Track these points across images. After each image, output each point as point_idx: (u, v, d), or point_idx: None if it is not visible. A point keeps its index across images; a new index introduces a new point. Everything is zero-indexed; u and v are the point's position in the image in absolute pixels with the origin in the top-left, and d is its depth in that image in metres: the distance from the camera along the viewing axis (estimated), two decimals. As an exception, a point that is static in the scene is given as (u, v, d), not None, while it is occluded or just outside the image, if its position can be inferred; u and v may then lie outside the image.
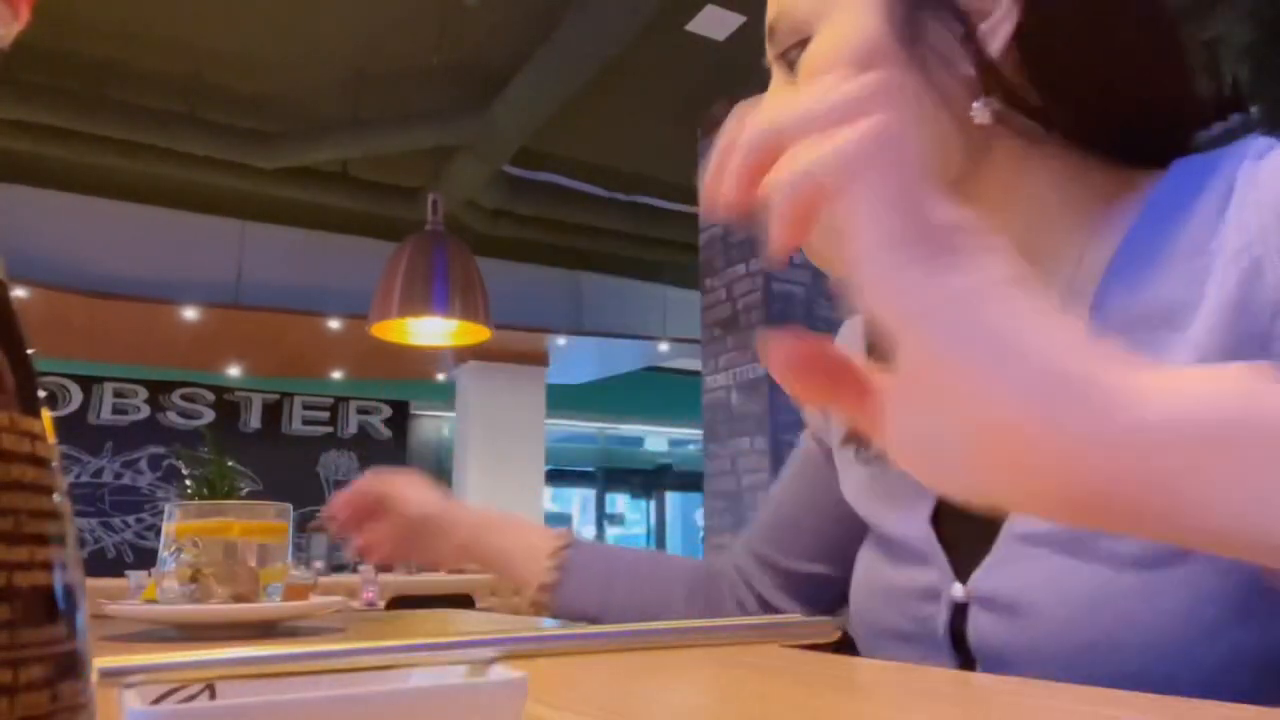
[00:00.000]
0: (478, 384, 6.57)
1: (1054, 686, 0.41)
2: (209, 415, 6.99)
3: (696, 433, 4.56)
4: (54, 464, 0.16)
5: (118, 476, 6.65)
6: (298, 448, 7.24)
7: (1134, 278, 0.46)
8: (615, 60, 3.76)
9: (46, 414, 0.17)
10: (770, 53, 0.54)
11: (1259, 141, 0.47)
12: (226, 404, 7.09)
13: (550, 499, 9.41)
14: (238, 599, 0.76)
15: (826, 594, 0.68)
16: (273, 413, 7.25)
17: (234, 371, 6.82)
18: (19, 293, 4.65)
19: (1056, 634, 0.43)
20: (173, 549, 0.78)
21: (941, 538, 0.51)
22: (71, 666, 0.15)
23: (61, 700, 0.15)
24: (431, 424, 8.35)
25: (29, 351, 0.16)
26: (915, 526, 0.52)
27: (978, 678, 0.42)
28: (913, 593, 0.51)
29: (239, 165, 4.57)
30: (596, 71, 3.81)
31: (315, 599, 0.84)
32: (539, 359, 6.74)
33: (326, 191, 5.03)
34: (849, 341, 0.64)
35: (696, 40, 3.91)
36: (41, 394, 0.17)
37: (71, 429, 6.41)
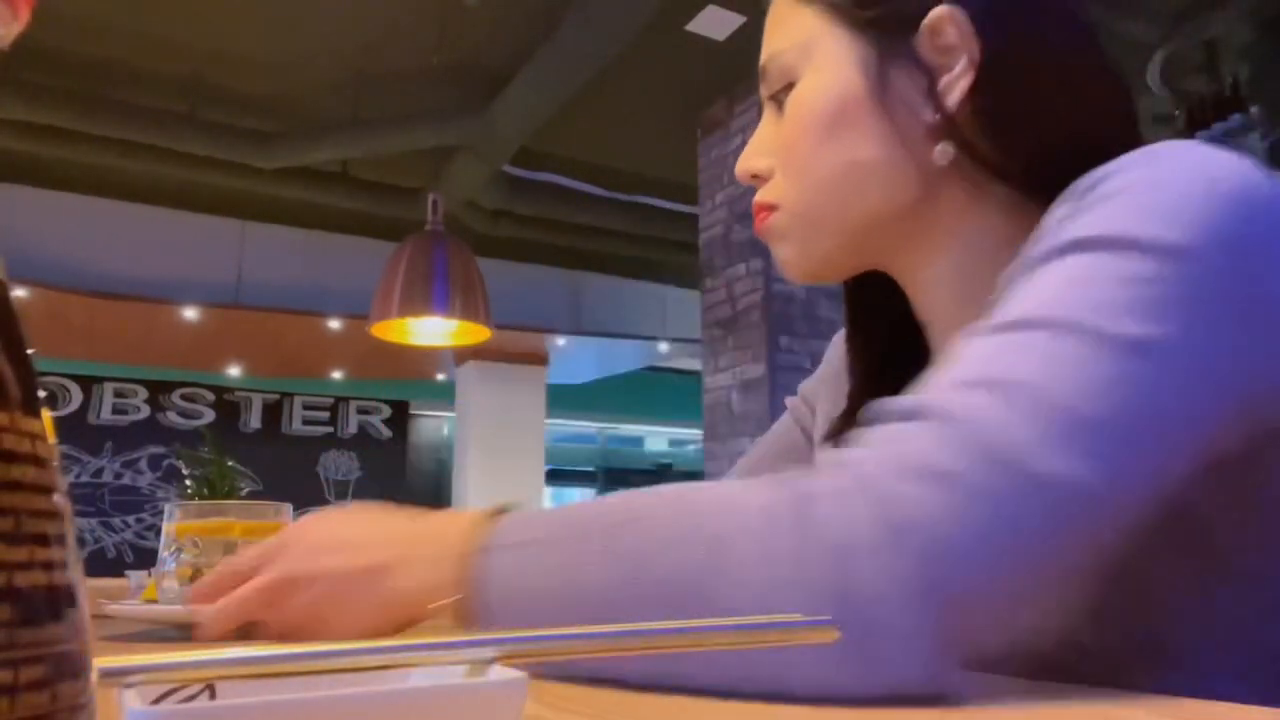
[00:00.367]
0: (478, 384, 6.57)
1: (1056, 687, 0.41)
2: (209, 415, 6.99)
3: (696, 433, 4.56)
4: (54, 464, 0.16)
5: (118, 476, 6.65)
6: (298, 448, 7.24)
7: None
8: (615, 60, 3.76)
9: (46, 414, 0.17)
10: (763, 92, 0.61)
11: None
12: (226, 404, 7.09)
13: (550, 499, 9.40)
14: None
15: None
16: (273, 413, 7.25)
17: (234, 371, 6.82)
18: (19, 293, 4.65)
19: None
20: (173, 549, 0.77)
21: None
22: (71, 666, 0.15)
23: (61, 700, 0.15)
24: (431, 424, 8.35)
25: (29, 351, 0.16)
26: None
27: (980, 678, 0.42)
28: None
29: (239, 165, 4.57)
30: (596, 71, 3.81)
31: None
32: (539, 359, 6.74)
33: (326, 191, 5.02)
34: (839, 351, 0.71)
35: (696, 40, 3.91)
36: (41, 394, 0.17)
37: (71, 429, 6.41)
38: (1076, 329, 0.40)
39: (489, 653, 0.28)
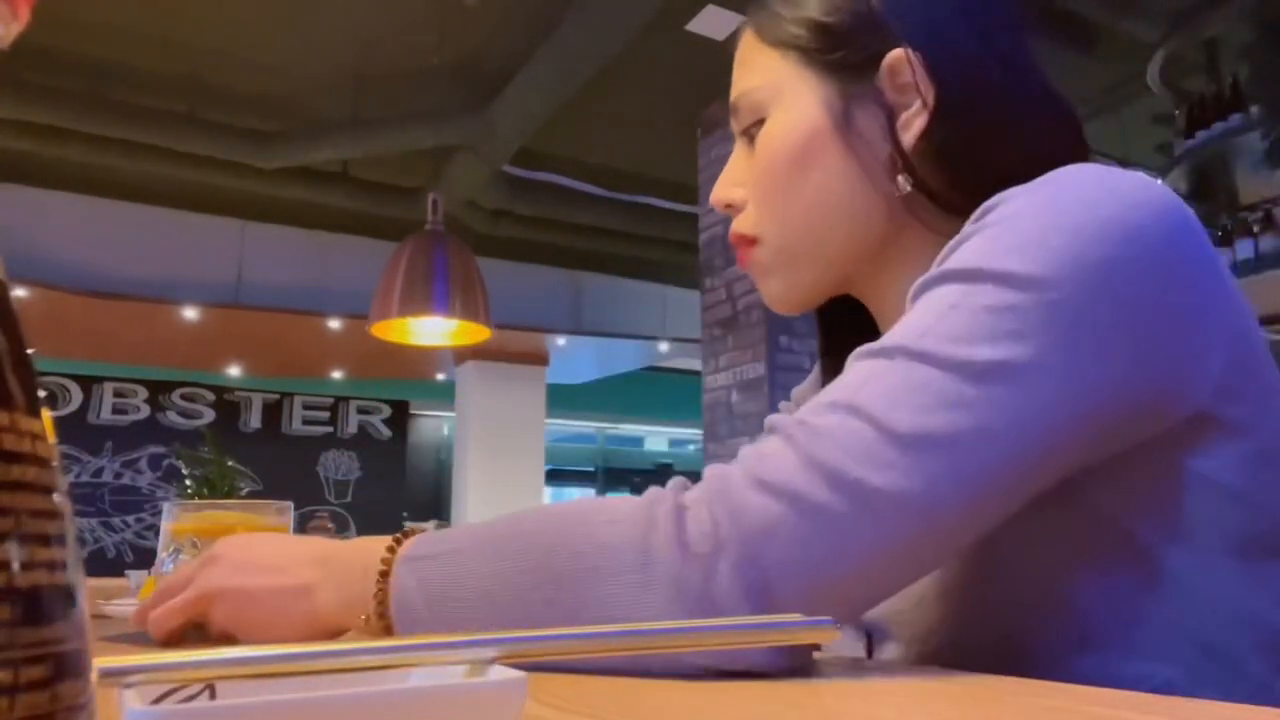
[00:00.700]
0: (478, 384, 6.57)
1: (1056, 687, 0.41)
2: (209, 415, 6.99)
3: (696, 433, 4.56)
4: (54, 464, 0.16)
5: (118, 476, 6.65)
6: (298, 448, 7.24)
7: None
8: (615, 60, 3.76)
9: (46, 414, 0.17)
10: (734, 127, 0.65)
11: None
12: (226, 404, 7.09)
13: (550, 499, 9.41)
14: None
15: None
16: (273, 413, 7.25)
17: (234, 371, 6.82)
18: (19, 293, 4.65)
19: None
20: (171, 549, 0.77)
21: None
22: (71, 666, 0.15)
23: (61, 700, 0.15)
24: (431, 424, 8.36)
25: (29, 351, 0.16)
26: None
27: (979, 678, 0.42)
28: None
29: (239, 165, 4.57)
30: (596, 71, 3.80)
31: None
32: (539, 359, 6.74)
33: (326, 191, 5.02)
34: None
35: (696, 40, 3.91)
36: (41, 394, 0.17)
37: (71, 429, 6.42)
38: (929, 357, 0.45)
39: (489, 653, 0.28)
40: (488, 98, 4.22)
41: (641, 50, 3.80)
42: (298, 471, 7.00)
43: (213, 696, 0.26)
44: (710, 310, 4.15)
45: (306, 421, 7.36)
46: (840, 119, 0.58)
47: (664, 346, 6.51)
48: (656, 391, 8.43)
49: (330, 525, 6.34)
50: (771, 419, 0.48)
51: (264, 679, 0.26)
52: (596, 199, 5.40)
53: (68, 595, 0.16)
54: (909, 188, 0.57)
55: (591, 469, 10.31)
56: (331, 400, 7.45)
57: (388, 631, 0.50)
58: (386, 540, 0.52)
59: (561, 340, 6.36)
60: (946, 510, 0.43)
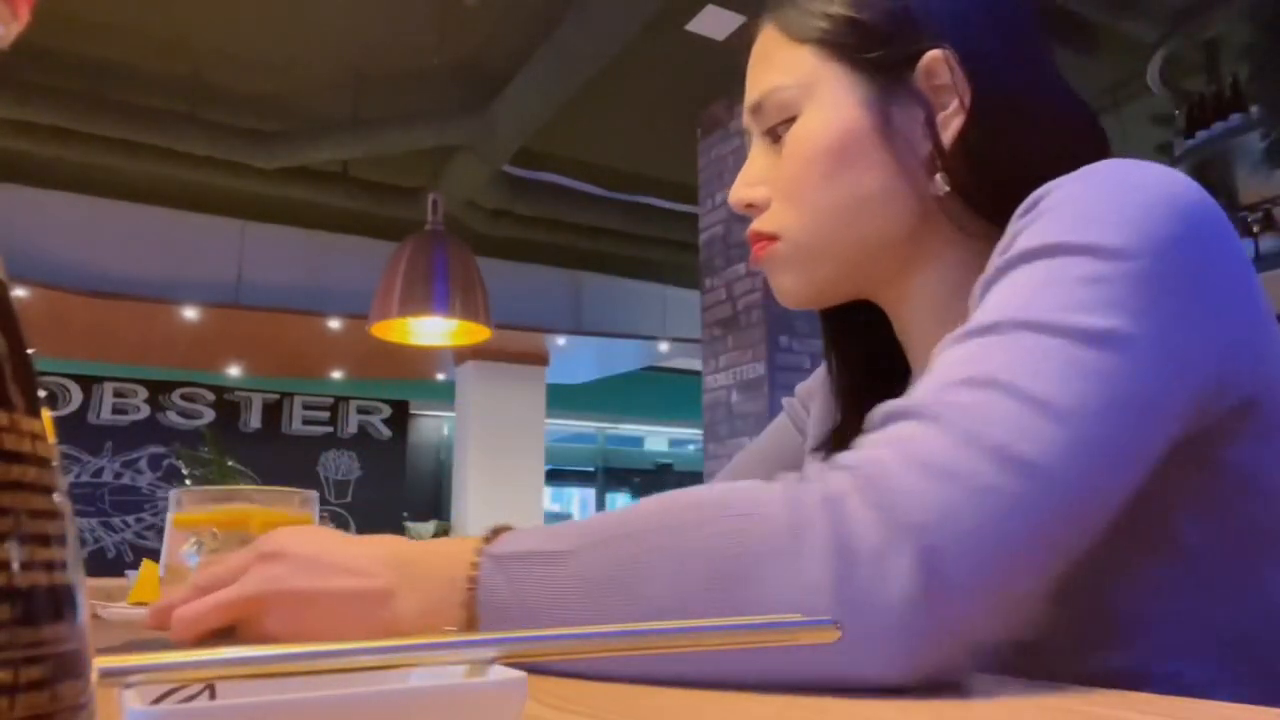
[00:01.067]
0: (478, 384, 6.57)
1: (1056, 686, 0.41)
2: (209, 415, 6.99)
3: (696, 433, 4.56)
4: (54, 464, 0.16)
5: (118, 476, 6.65)
6: (298, 448, 7.24)
7: None
8: (615, 60, 3.75)
9: (46, 414, 0.17)
10: (756, 127, 0.64)
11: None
12: (226, 404, 7.09)
13: (550, 499, 9.41)
14: None
15: None
16: (273, 413, 7.25)
17: (234, 371, 6.82)
18: (19, 293, 4.65)
19: None
20: (193, 544, 0.68)
21: None
22: (71, 666, 0.15)
23: (61, 700, 0.15)
24: (431, 424, 8.36)
25: (29, 351, 0.16)
26: None
27: (979, 678, 0.42)
28: None
29: (239, 165, 4.57)
30: (596, 71, 3.80)
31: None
32: (539, 359, 6.74)
33: (326, 191, 5.02)
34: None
35: (696, 40, 3.91)
36: (41, 394, 0.17)
37: (71, 429, 6.41)
38: (1045, 327, 0.43)
39: (489, 653, 0.28)
40: (488, 98, 4.22)
41: (641, 50, 3.79)
42: (298, 471, 6.99)
43: (213, 696, 0.26)
44: (710, 310, 4.14)
45: (306, 421, 7.36)
46: (880, 118, 0.58)
47: (664, 346, 6.51)
48: (656, 391, 8.43)
49: (330, 525, 6.33)
50: (891, 405, 0.45)
51: (264, 679, 0.26)
52: (596, 199, 5.40)
53: (68, 595, 0.16)
54: (947, 188, 0.57)
55: (591, 469, 10.31)
56: (331, 400, 7.45)
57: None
58: (471, 542, 0.48)
59: (561, 340, 6.36)
60: (1107, 478, 0.42)
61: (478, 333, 2.69)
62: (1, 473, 0.15)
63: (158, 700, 0.25)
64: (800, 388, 0.81)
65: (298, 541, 0.51)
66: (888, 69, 0.58)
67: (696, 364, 4.36)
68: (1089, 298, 0.43)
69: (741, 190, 0.63)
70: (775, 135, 0.62)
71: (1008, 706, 0.37)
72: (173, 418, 6.88)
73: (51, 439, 0.17)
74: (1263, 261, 3.01)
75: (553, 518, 9.24)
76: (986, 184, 0.56)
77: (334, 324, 5.56)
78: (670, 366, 7.45)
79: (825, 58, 0.60)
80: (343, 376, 7.09)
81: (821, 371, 0.77)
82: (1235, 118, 3.17)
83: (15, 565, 0.15)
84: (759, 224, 0.63)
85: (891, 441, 0.43)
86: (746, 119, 0.65)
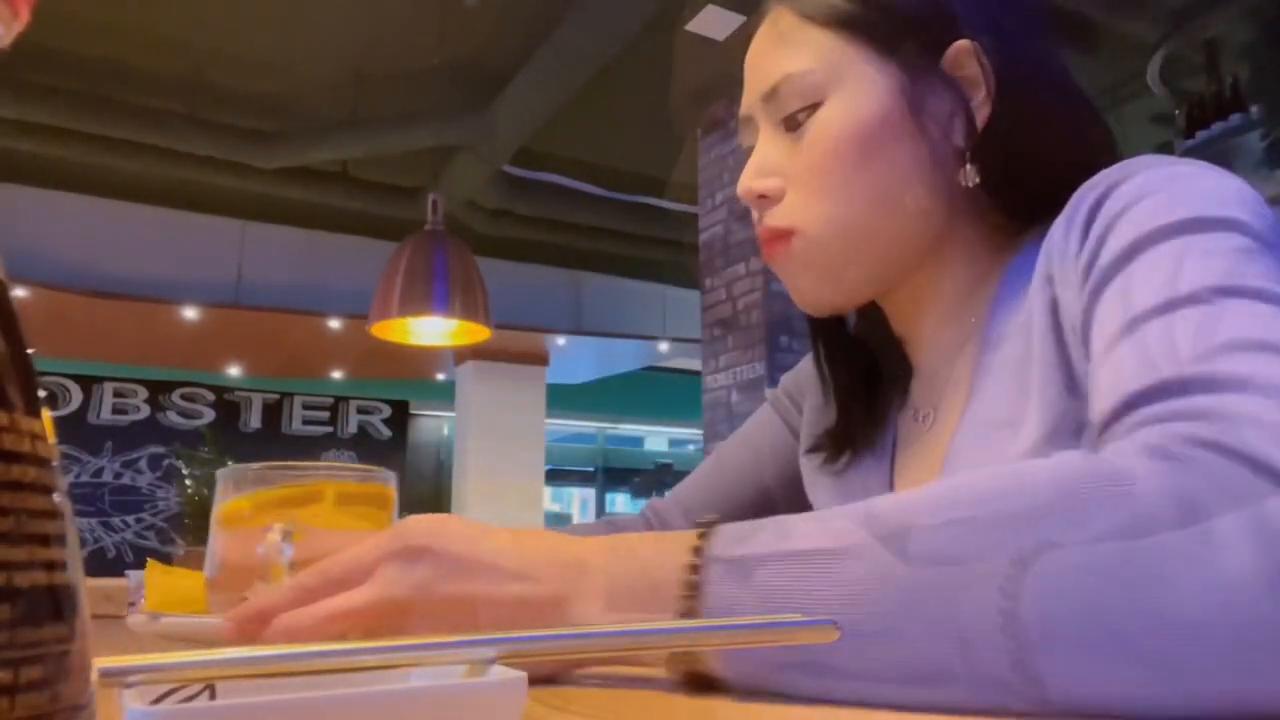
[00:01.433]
0: (478, 384, 6.57)
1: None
2: (209, 415, 6.99)
3: (696, 433, 4.56)
4: (54, 464, 0.16)
5: (118, 476, 6.65)
6: (298, 448, 7.23)
7: (981, 391, 0.55)
8: (615, 60, 3.75)
9: (46, 414, 0.17)
10: (769, 115, 0.59)
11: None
12: (226, 404, 7.09)
13: (550, 499, 9.40)
14: None
15: None
16: (273, 413, 7.25)
17: (234, 371, 6.82)
18: (19, 293, 4.65)
19: None
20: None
21: None
22: (71, 666, 0.15)
23: (61, 700, 0.15)
24: (431, 424, 8.35)
25: (29, 351, 0.16)
26: None
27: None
28: None
29: (239, 165, 4.57)
30: (596, 71, 3.80)
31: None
32: (539, 359, 6.74)
33: (326, 191, 5.02)
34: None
35: (696, 40, 3.91)
36: (41, 394, 0.17)
37: (71, 429, 6.41)
38: (1248, 291, 0.40)
39: (489, 653, 0.28)
40: (488, 98, 4.22)
41: (641, 50, 3.79)
42: (298, 471, 6.98)
43: (213, 696, 0.26)
44: (710, 310, 4.15)
45: (306, 421, 7.36)
46: (913, 106, 0.56)
47: (664, 346, 6.51)
48: (656, 391, 8.43)
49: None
50: (1137, 390, 0.39)
51: (264, 679, 0.26)
52: (596, 199, 5.40)
53: (68, 595, 0.16)
54: (977, 179, 0.55)
55: (591, 469, 10.31)
56: (331, 400, 7.45)
57: (697, 664, 0.38)
58: (669, 537, 0.41)
59: (561, 340, 6.36)
60: None
61: (477, 333, 2.69)
62: (1, 473, 0.15)
63: (158, 700, 0.25)
64: (787, 379, 0.78)
65: (443, 536, 0.42)
66: (916, 56, 0.56)
67: (696, 364, 4.36)
68: (1254, 266, 0.41)
69: (752, 181, 0.59)
70: (793, 123, 0.58)
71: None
72: (173, 418, 6.88)
73: (51, 439, 0.17)
74: (1263, 261, 3.01)
75: (553, 518, 9.24)
76: (1013, 175, 0.56)
77: (334, 324, 5.57)
78: (670, 366, 7.45)
79: (850, 41, 0.57)
80: (343, 376, 7.09)
81: (808, 365, 0.73)
82: (1235, 118, 3.17)
83: (15, 565, 0.15)
84: (773, 218, 0.58)
85: (1211, 416, 0.35)
86: (753, 107, 0.61)
